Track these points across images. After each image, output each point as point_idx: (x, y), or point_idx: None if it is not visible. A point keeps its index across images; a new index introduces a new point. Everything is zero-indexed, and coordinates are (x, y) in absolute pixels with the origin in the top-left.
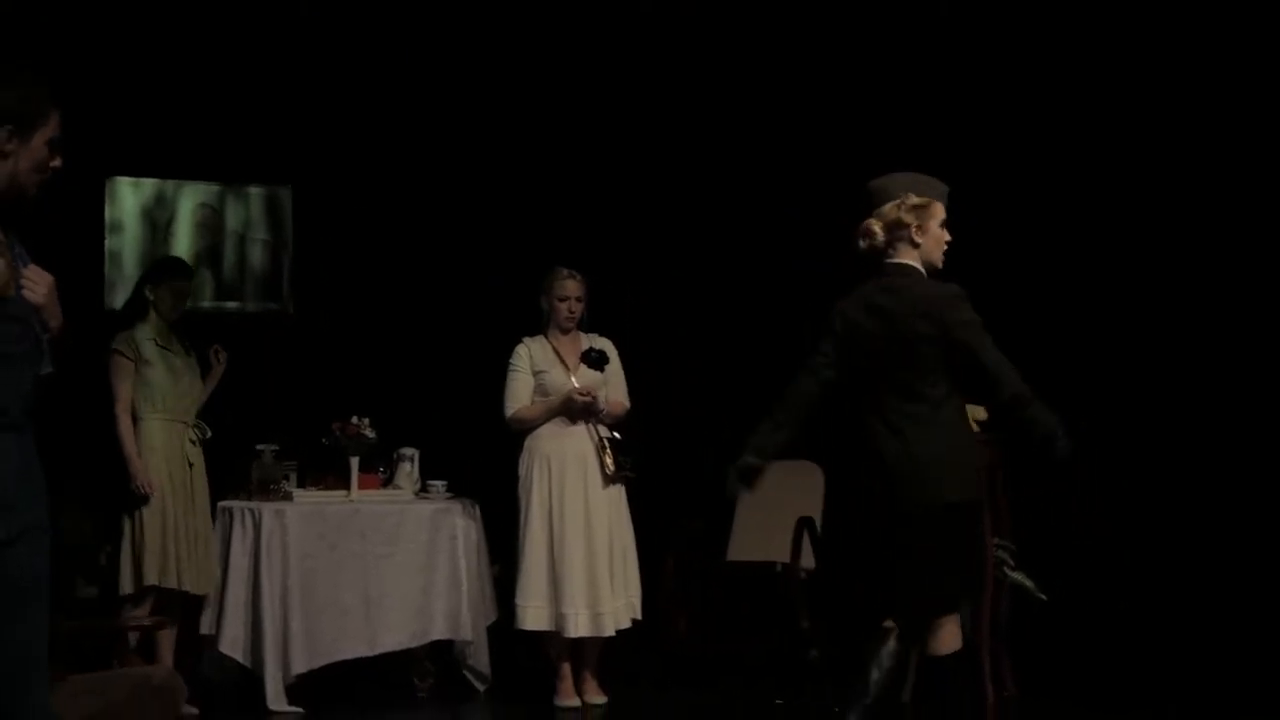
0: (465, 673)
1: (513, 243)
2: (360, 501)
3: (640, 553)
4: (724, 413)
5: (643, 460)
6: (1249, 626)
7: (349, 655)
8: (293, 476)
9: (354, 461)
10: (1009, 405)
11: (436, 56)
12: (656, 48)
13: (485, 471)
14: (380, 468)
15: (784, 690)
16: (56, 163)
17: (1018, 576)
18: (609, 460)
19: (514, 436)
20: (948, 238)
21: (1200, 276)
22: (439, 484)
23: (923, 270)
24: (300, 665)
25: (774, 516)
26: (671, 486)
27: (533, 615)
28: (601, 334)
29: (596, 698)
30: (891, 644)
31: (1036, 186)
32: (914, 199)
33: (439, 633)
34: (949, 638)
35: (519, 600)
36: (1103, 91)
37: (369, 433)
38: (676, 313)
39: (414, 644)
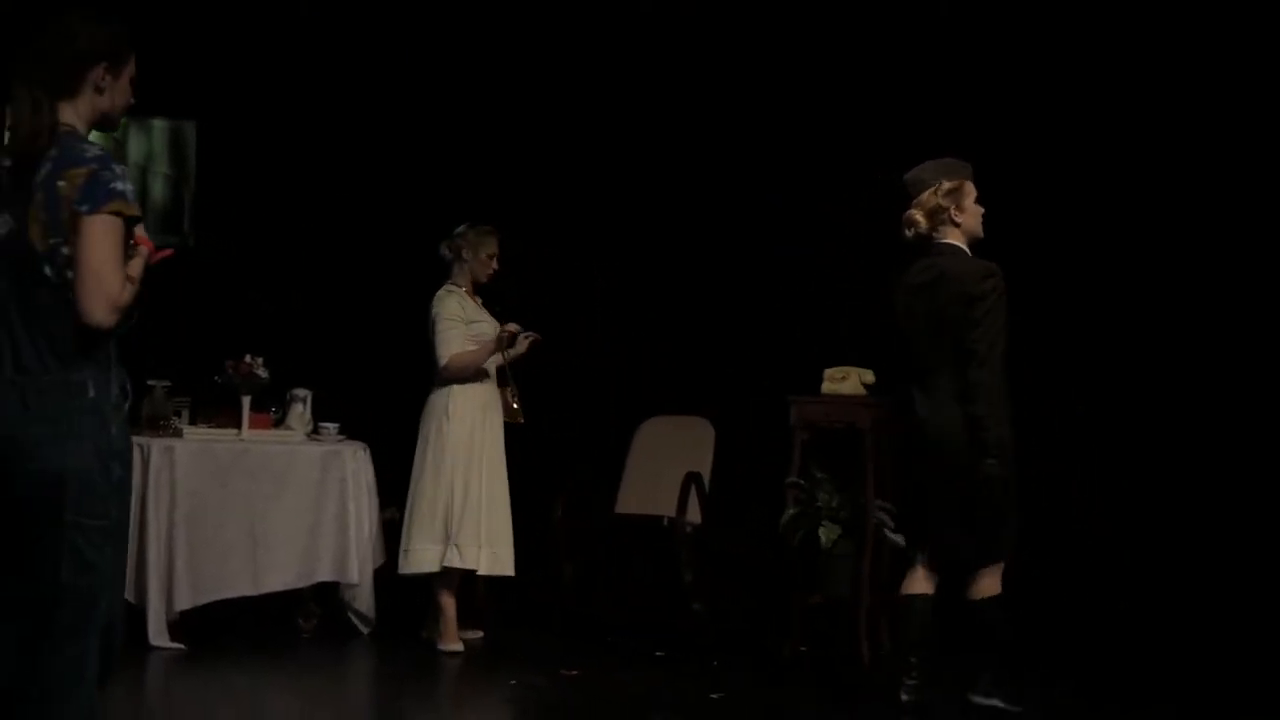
0: (350, 615)
1: (427, 195)
2: (250, 441)
3: (531, 501)
4: (697, 391)
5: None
6: (1249, 626)
7: (233, 594)
8: (184, 413)
9: (245, 400)
10: (963, 391)
11: (241, 27)
12: (639, 31)
13: (379, 415)
14: (273, 408)
15: (666, 642)
16: (132, 100)
17: (896, 538)
18: (515, 401)
19: (422, 382)
20: (982, 210)
21: (1201, 275)
22: (331, 426)
23: (966, 247)
24: (184, 602)
25: (663, 471)
26: (564, 438)
27: (470, 556)
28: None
29: (475, 633)
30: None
31: (1031, 184)
32: (947, 184)
33: (325, 574)
34: (987, 586)
35: (459, 541)
36: (1092, 77)
37: (262, 372)
38: (654, 296)
39: (299, 584)
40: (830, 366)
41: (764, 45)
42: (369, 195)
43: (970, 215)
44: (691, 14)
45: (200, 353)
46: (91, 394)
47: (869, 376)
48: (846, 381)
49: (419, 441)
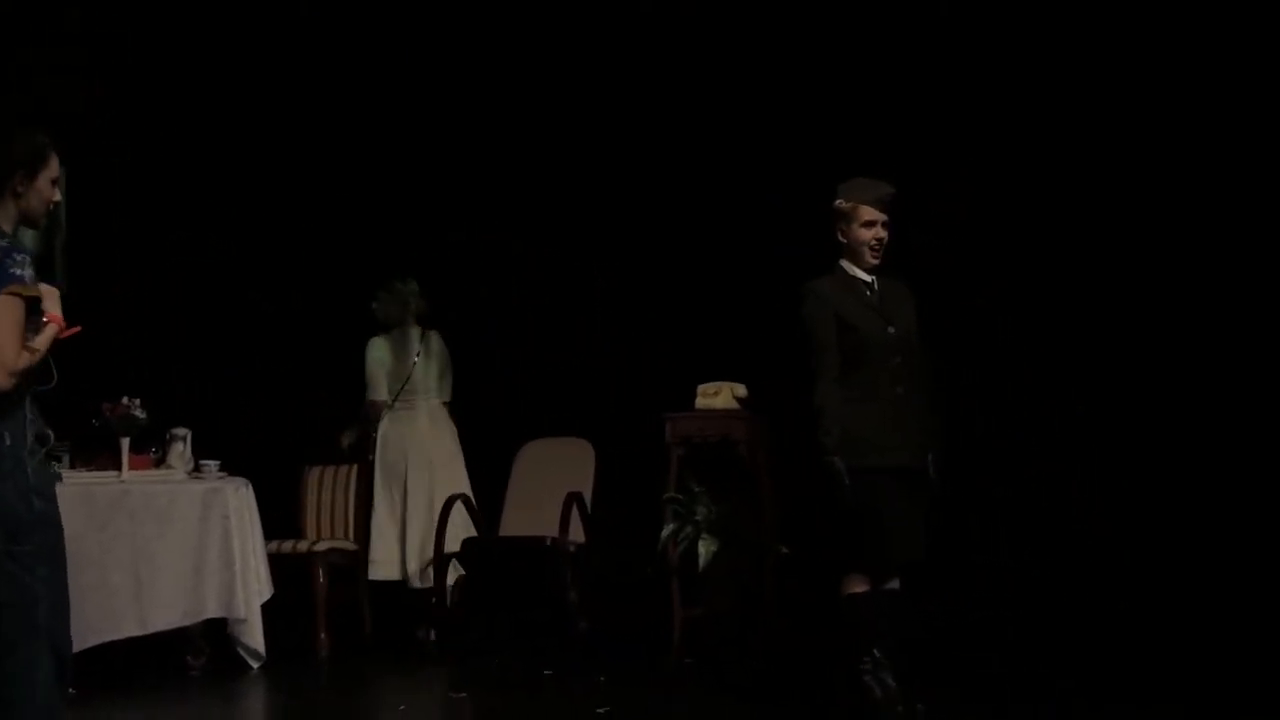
0: (239, 650)
1: (321, 234)
2: (131, 482)
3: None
4: (574, 412)
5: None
6: (1249, 626)
7: (120, 635)
8: (64, 457)
9: (124, 442)
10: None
11: (236, 24)
12: (639, 31)
13: (260, 450)
14: (153, 448)
15: (553, 661)
16: (57, 197)
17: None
18: None
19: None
20: (875, 236)
21: (1200, 276)
22: (212, 464)
23: (846, 266)
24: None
25: (544, 492)
26: None
27: None
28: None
29: None
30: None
31: (1030, 184)
32: (840, 204)
33: (212, 611)
34: (850, 584)
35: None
36: (1091, 78)
37: (139, 413)
38: (653, 296)
39: (186, 623)
40: (703, 382)
41: (764, 46)
42: (242, 234)
43: (853, 240)
44: (691, 14)
45: (77, 396)
46: (8, 442)
47: (741, 390)
48: (719, 396)
49: (447, 458)
